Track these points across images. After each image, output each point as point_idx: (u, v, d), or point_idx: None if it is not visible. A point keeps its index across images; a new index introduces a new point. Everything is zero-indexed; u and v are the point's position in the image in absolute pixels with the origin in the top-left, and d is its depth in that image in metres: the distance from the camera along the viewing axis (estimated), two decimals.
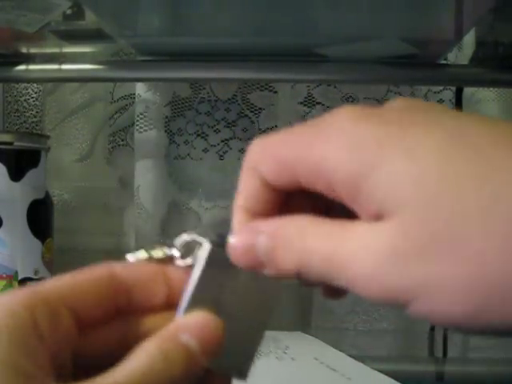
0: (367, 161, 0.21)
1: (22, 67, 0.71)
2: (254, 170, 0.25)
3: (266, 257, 0.24)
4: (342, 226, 0.22)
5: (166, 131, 0.84)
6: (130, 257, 0.27)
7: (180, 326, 0.24)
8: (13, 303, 0.21)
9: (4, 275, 0.64)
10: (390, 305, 0.21)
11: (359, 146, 0.21)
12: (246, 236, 0.25)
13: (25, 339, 0.21)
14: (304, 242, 0.23)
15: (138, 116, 0.82)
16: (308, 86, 0.82)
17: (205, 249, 0.26)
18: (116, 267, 0.26)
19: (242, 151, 0.84)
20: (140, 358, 0.22)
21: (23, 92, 0.88)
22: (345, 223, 0.22)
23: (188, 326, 0.24)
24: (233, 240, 0.25)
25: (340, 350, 0.60)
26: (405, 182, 0.20)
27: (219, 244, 0.26)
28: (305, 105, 0.83)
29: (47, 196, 0.69)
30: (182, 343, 0.23)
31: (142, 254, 0.27)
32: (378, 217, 0.21)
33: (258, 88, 0.83)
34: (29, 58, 0.72)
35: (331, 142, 0.22)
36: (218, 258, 0.26)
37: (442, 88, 0.81)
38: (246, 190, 0.26)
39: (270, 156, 0.24)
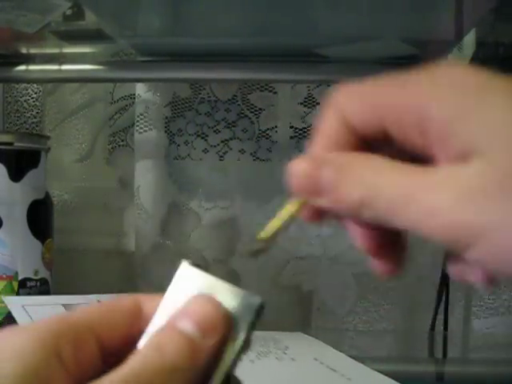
0: (466, 100, 0.21)
1: (22, 67, 0.71)
2: (339, 111, 0.24)
3: (328, 185, 0.23)
4: (421, 167, 0.22)
5: (165, 132, 0.84)
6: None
7: (177, 313, 0.23)
8: (41, 329, 0.22)
9: (4, 275, 0.64)
10: (450, 244, 0.21)
11: (460, 86, 0.22)
12: (312, 162, 0.24)
13: (44, 364, 0.21)
14: (377, 174, 0.22)
15: (137, 116, 0.82)
16: (308, 87, 0.82)
17: (181, 270, 0.24)
18: (141, 297, 0.25)
19: (242, 151, 0.84)
20: (135, 355, 0.22)
21: (23, 92, 0.88)
22: (424, 166, 0.22)
23: (185, 311, 0.23)
24: (295, 164, 0.24)
25: (340, 351, 0.60)
26: (501, 122, 0.21)
27: (199, 266, 0.24)
28: (305, 105, 0.83)
29: (47, 196, 0.69)
30: (179, 330, 0.22)
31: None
32: (466, 155, 0.21)
33: (258, 88, 0.83)
34: (29, 59, 0.72)
35: (430, 83, 0.23)
36: (195, 282, 0.24)
37: None
38: (326, 129, 0.25)
39: (361, 97, 0.24)
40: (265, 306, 0.23)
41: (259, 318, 0.23)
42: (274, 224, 0.25)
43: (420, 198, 0.21)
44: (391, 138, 0.23)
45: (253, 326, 0.23)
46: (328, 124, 0.25)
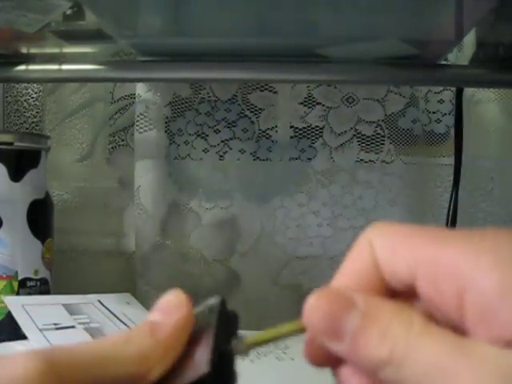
0: None
1: (22, 67, 0.71)
2: (370, 249, 0.23)
3: (351, 332, 0.21)
4: (459, 340, 0.20)
5: (166, 131, 0.84)
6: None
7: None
8: None
9: (4, 275, 0.64)
10: None
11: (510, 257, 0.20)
12: (335, 301, 0.21)
13: None
14: (411, 334, 0.20)
15: (138, 116, 0.82)
16: (308, 87, 0.82)
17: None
18: None
19: (242, 151, 0.84)
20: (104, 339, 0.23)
21: (23, 92, 0.88)
22: (463, 338, 0.20)
23: (154, 307, 0.25)
24: (316, 299, 0.21)
25: None
26: None
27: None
28: (305, 105, 0.83)
29: (47, 196, 0.69)
30: (148, 321, 0.24)
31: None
32: (509, 342, 0.19)
33: (258, 88, 0.83)
34: (29, 58, 0.72)
35: (476, 248, 0.20)
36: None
37: (442, 88, 0.81)
38: (354, 264, 0.23)
39: (394, 244, 0.22)
40: (225, 300, 0.24)
41: (225, 308, 0.24)
42: (265, 335, 0.24)
43: (458, 376, 0.19)
44: (418, 294, 0.21)
45: (222, 316, 0.24)
46: (357, 259, 0.23)
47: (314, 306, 0.21)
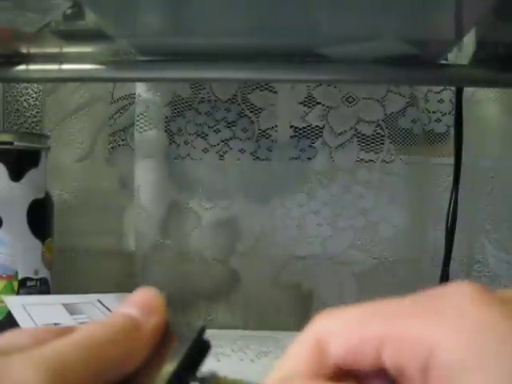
0: (482, 354, 0.19)
1: (21, 67, 0.71)
2: (318, 343, 0.22)
3: None
4: None
5: (165, 131, 0.84)
6: None
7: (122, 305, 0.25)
8: None
9: (4, 275, 0.64)
10: None
11: (478, 335, 0.19)
12: None
13: None
14: None
15: (138, 116, 0.82)
16: (308, 86, 0.82)
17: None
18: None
19: (242, 151, 0.84)
20: (82, 327, 0.23)
21: (23, 92, 0.88)
22: None
23: (128, 301, 0.24)
24: None
25: None
26: None
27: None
28: (305, 105, 0.83)
29: (47, 196, 0.69)
30: (122, 313, 0.24)
31: None
32: None
33: (258, 88, 0.83)
34: (29, 58, 0.72)
35: (444, 320, 0.20)
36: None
37: (441, 88, 0.81)
38: (297, 356, 0.22)
39: (348, 329, 0.21)
40: (206, 328, 0.24)
41: (203, 335, 0.24)
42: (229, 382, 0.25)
43: None
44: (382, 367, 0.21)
45: (197, 343, 0.24)
46: (300, 351, 0.22)
47: None
